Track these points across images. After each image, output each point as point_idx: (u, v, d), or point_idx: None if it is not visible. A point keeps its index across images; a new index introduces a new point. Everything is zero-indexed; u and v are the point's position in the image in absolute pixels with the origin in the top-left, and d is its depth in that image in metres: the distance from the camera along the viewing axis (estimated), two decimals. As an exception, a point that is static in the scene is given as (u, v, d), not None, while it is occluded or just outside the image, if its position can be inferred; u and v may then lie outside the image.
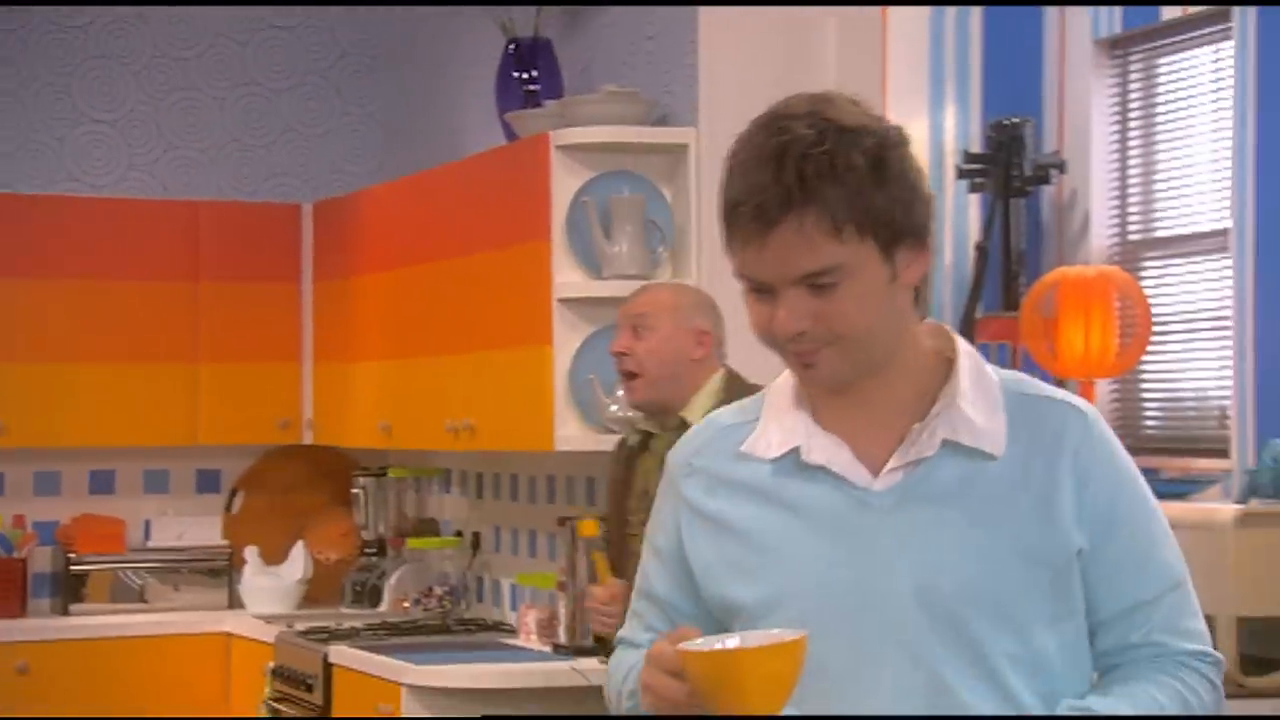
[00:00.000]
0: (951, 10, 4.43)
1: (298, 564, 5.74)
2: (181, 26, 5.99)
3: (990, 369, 1.92)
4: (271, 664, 5.13)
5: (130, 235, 5.65)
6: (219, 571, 5.81)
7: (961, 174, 4.21)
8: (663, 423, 3.50)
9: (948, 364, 1.89)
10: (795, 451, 1.88)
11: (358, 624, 5.19)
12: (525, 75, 4.90)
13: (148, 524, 5.97)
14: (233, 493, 6.13)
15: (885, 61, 4.48)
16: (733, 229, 1.81)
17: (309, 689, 4.87)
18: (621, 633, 2.05)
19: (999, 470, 1.86)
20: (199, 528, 6.01)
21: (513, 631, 5.16)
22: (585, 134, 4.36)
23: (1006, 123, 4.20)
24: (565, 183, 4.36)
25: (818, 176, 1.77)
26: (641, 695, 1.86)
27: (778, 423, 1.91)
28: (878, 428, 1.88)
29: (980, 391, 1.89)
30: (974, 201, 4.40)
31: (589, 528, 3.62)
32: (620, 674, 1.97)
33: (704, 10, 4.26)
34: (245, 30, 6.10)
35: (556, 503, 5.10)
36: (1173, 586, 1.90)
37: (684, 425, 3.26)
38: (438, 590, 5.44)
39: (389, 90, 6.06)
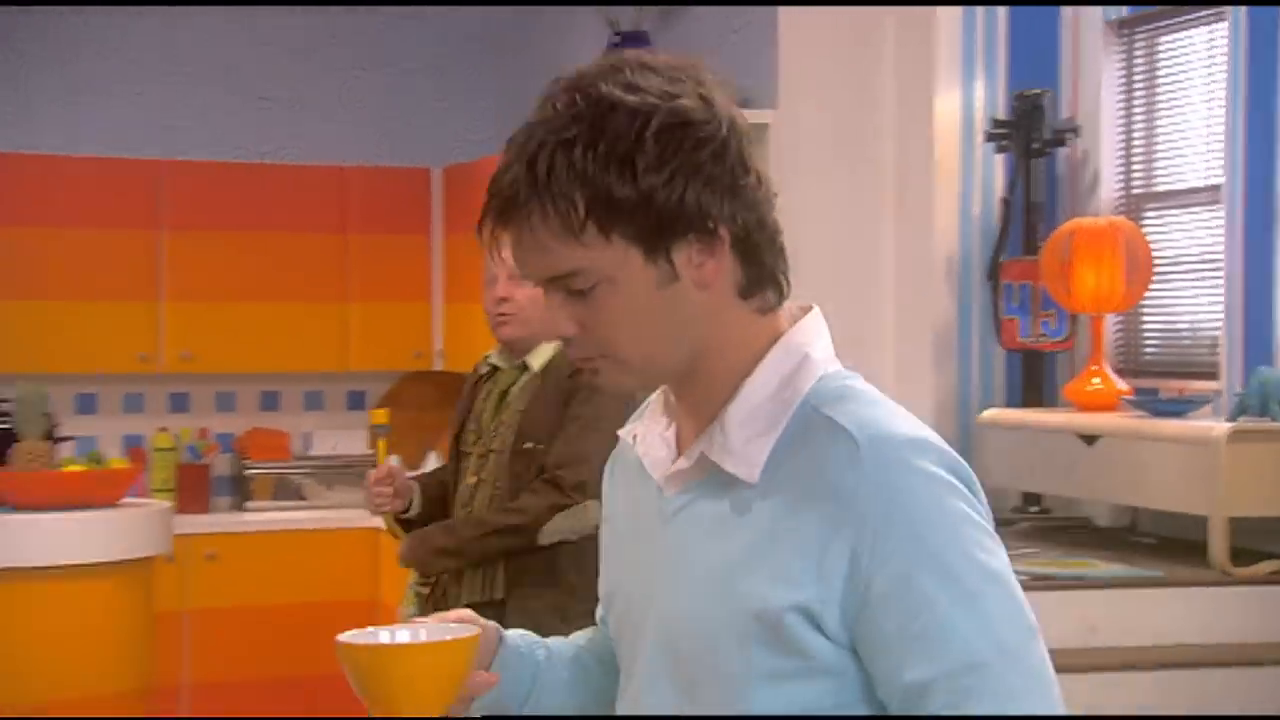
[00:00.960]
0: (982, -1, 4.45)
1: (430, 469, 5.85)
2: (332, 17, 6.09)
3: (815, 378, 1.37)
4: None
5: (289, 195, 5.75)
6: (364, 476, 5.92)
7: (989, 138, 4.24)
8: (509, 360, 3.29)
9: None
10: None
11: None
12: (628, 63, 4.95)
13: (307, 436, 6.10)
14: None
15: (932, 44, 4.50)
16: (483, 216, 1.37)
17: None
18: None
19: (749, 499, 1.34)
20: (349, 439, 6.14)
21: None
22: (678, 116, 4.39)
23: (1028, 94, 4.22)
24: (662, 160, 4.39)
25: (550, 169, 1.30)
26: None
27: (647, 412, 1.49)
28: (693, 425, 1.42)
29: (770, 403, 1.36)
30: (999, 162, 4.42)
31: (378, 416, 3.55)
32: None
33: (783, 9, 4.29)
34: (387, 20, 6.20)
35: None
36: (966, 669, 1.25)
37: (525, 367, 3.24)
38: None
39: (506, 72, 6.13)
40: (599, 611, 1.56)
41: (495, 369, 3.32)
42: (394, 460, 3.39)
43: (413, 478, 3.33)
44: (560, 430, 3.14)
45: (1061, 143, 4.13)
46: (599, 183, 1.28)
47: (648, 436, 1.44)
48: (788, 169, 4.27)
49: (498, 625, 1.51)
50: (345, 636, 1.42)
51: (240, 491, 5.77)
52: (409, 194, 5.86)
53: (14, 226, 5.38)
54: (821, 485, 1.29)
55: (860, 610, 1.27)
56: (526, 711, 1.52)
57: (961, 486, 1.30)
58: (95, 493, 4.25)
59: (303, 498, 5.81)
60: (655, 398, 1.46)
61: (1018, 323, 4.12)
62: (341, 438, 6.07)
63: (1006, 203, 4.20)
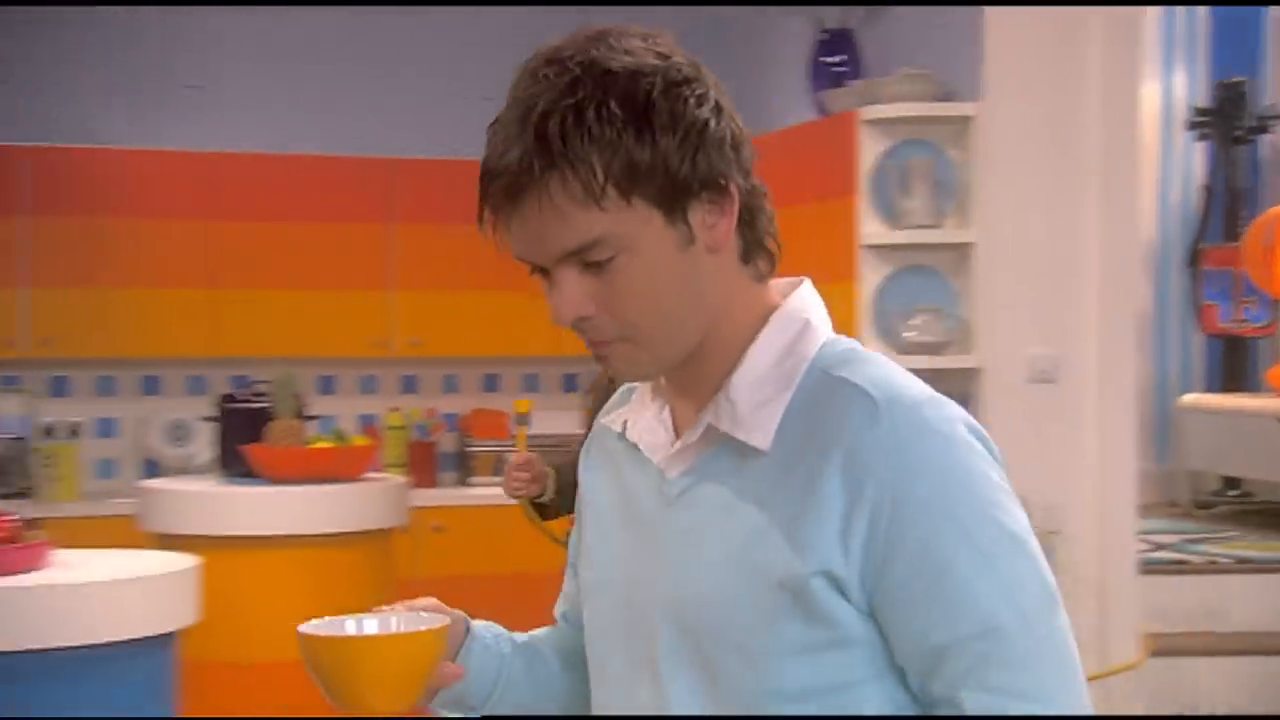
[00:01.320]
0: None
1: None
2: (545, 16, 6.18)
3: (818, 344, 1.30)
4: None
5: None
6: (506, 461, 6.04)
7: (1191, 126, 4.16)
8: None
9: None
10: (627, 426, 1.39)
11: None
12: (834, 60, 4.97)
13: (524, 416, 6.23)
14: (587, 392, 6.36)
15: (1137, 36, 4.44)
16: (481, 203, 1.27)
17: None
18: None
19: (763, 468, 1.26)
20: (563, 420, 6.25)
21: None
22: (886, 110, 4.41)
23: (1230, 82, 4.13)
24: (870, 149, 4.42)
25: (563, 135, 1.20)
26: None
27: (640, 389, 1.40)
28: (694, 403, 1.33)
29: (775, 370, 1.29)
30: (1198, 150, 4.34)
31: (521, 405, 3.71)
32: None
33: (990, 9, 4.27)
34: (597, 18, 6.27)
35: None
36: (983, 633, 1.20)
37: None
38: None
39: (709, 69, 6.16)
40: (560, 608, 1.52)
41: None
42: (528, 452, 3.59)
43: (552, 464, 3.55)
44: None
45: (1264, 130, 4.03)
46: (617, 145, 1.20)
47: (639, 421, 1.36)
48: (992, 160, 4.26)
49: (465, 615, 1.45)
50: (307, 627, 1.32)
51: (464, 467, 5.96)
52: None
53: (267, 222, 5.66)
54: (839, 447, 1.22)
55: (880, 571, 1.21)
56: (488, 710, 1.44)
57: (980, 446, 1.25)
58: (340, 468, 4.45)
59: (521, 475, 5.92)
60: (641, 386, 1.39)
61: (1218, 308, 4.05)
62: (556, 418, 6.19)
63: (1208, 190, 4.13)
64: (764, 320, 1.30)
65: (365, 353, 5.91)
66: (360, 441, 4.79)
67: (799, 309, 1.31)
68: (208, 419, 4.89)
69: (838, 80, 4.90)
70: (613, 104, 1.21)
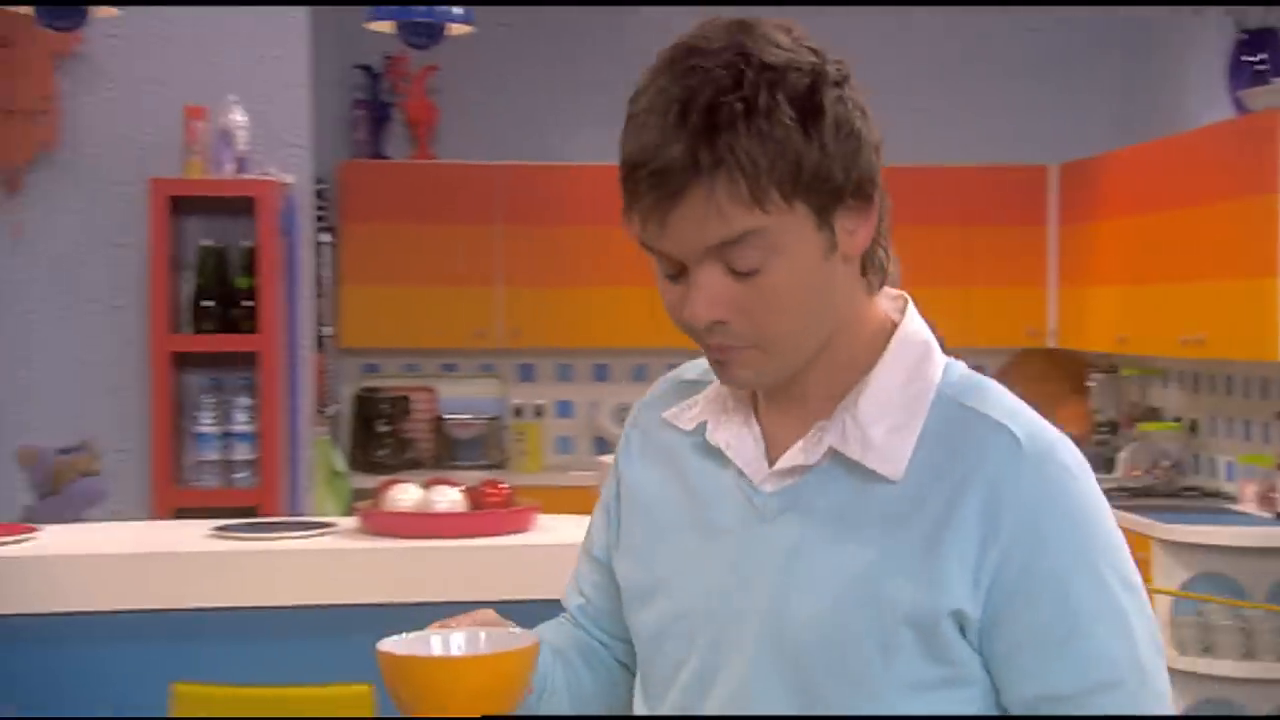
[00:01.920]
0: None
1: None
2: (971, 19, 6.17)
3: (940, 367, 1.23)
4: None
5: (920, 194, 5.89)
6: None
7: None
8: None
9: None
10: (705, 426, 1.29)
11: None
12: (1254, 59, 4.73)
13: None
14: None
15: None
16: (629, 195, 1.15)
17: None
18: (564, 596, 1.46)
19: (891, 497, 1.17)
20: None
21: (1233, 499, 5.01)
22: (1309, 105, 4.19)
23: None
24: (1290, 146, 4.22)
25: (731, 130, 1.10)
26: None
27: (709, 393, 1.30)
28: (795, 417, 1.23)
29: (902, 395, 1.20)
30: None
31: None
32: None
33: None
34: (1008, 31, 6.21)
35: (1270, 399, 4.91)
36: (1104, 686, 1.14)
37: None
38: (1163, 463, 5.36)
39: (1128, 72, 5.98)
40: (575, 599, 1.40)
41: None
42: None
43: None
44: None
45: None
46: (785, 145, 1.11)
47: (725, 427, 1.26)
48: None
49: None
50: (389, 645, 1.21)
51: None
52: (1026, 189, 5.90)
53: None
54: (979, 482, 1.15)
55: (1004, 612, 1.14)
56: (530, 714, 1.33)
57: (1100, 490, 1.20)
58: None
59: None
60: (712, 386, 1.29)
61: None
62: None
63: None
64: (880, 337, 1.22)
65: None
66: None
67: (918, 329, 1.24)
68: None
69: (1258, 79, 4.65)
70: (781, 100, 1.11)
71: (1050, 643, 1.14)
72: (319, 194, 5.36)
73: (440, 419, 6.11)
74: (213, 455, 4.49)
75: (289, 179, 4.59)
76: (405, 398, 6.07)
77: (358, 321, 5.98)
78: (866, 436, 1.18)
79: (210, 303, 4.47)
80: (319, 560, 2.79)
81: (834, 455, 1.20)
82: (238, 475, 4.49)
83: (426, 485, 3.04)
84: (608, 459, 1.67)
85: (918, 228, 6.07)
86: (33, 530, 2.88)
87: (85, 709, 2.57)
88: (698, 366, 1.33)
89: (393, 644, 1.21)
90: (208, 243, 4.48)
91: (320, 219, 5.36)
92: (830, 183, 1.13)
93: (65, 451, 3.43)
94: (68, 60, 4.53)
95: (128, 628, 2.65)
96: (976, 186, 6.10)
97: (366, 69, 6.11)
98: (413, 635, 1.23)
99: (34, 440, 3.62)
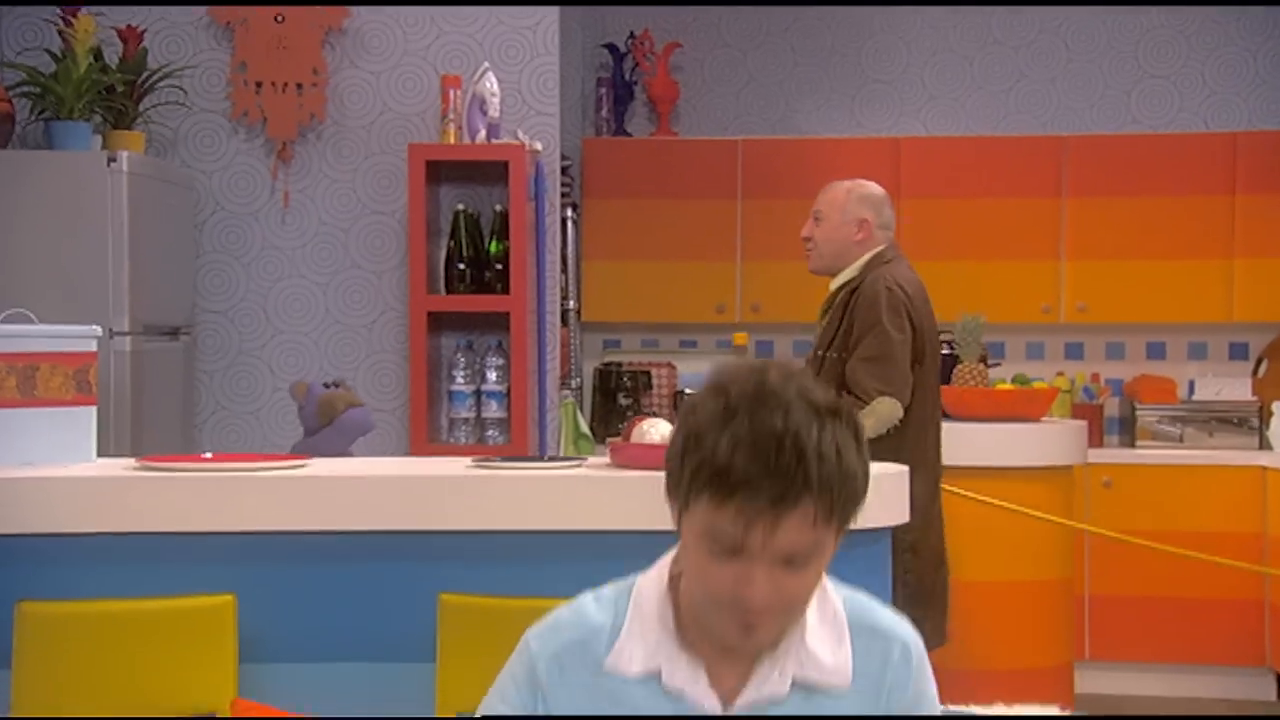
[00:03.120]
0: None
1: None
2: None
3: (833, 593, 1.61)
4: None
5: (1177, 162, 5.72)
6: (1245, 420, 5.72)
7: None
8: (833, 276, 3.92)
9: None
10: (657, 676, 1.55)
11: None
12: None
13: (1191, 383, 5.99)
14: (1259, 360, 6.01)
15: None
16: (728, 500, 1.44)
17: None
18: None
19: (841, 704, 1.57)
20: (1232, 387, 5.95)
21: None
22: None
23: None
24: None
25: (821, 467, 1.43)
26: None
27: (641, 637, 1.57)
28: (730, 659, 1.56)
29: (827, 625, 1.59)
30: None
31: (740, 338, 3.94)
32: None
33: None
34: None
35: None
36: None
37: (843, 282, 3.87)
38: None
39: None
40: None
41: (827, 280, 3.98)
42: None
43: None
44: (853, 344, 3.69)
45: None
46: (851, 478, 1.48)
47: (675, 672, 1.56)
48: None
49: None
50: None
51: (1128, 431, 5.79)
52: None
53: (947, 199, 5.83)
54: (885, 677, 1.59)
55: None
56: None
57: None
58: (1023, 408, 4.51)
59: (1180, 441, 5.70)
60: (638, 630, 1.57)
61: None
62: (1225, 385, 5.91)
63: None
64: None
65: (1033, 319, 5.93)
66: (1041, 386, 4.84)
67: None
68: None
69: None
70: (845, 441, 1.46)
71: None
72: (564, 170, 5.54)
73: (680, 394, 6.20)
74: (466, 413, 4.69)
75: (538, 146, 4.77)
76: (647, 372, 6.19)
77: (600, 296, 6.14)
78: (820, 662, 1.57)
79: (463, 266, 4.68)
80: (571, 487, 2.89)
81: (794, 683, 1.56)
82: (489, 433, 4.69)
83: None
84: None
85: (1175, 199, 5.90)
86: (304, 459, 3.08)
87: (357, 618, 2.74)
88: (595, 608, 1.61)
89: None
90: (461, 207, 4.69)
91: (565, 195, 5.53)
92: (858, 505, 1.50)
93: (328, 386, 3.66)
94: (335, 35, 4.81)
95: (393, 547, 2.81)
96: (1241, 153, 5.86)
97: (611, 48, 6.27)
98: None
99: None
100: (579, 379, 6.09)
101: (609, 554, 2.80)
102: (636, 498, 2.83)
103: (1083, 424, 5.00)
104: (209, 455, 3.13)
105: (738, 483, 1.43)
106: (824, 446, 1.45)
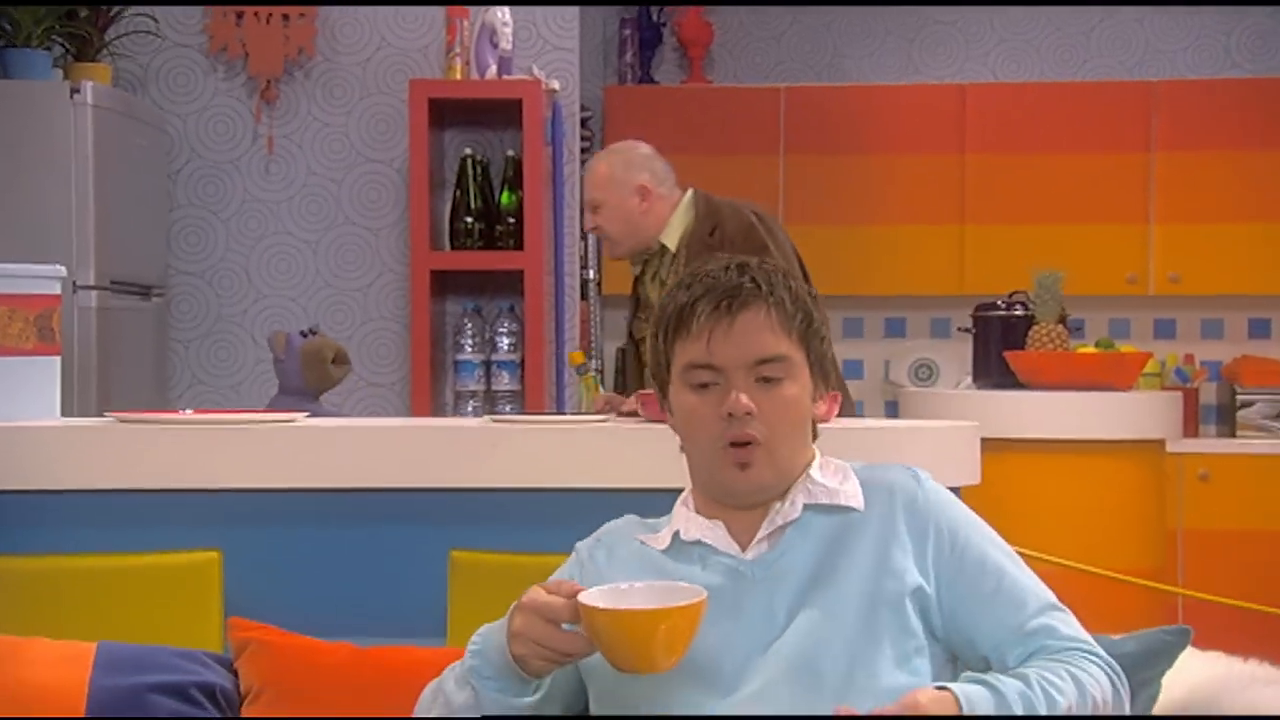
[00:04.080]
0: None
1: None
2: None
3: (837, 460, 2.04)
4: None
5: None
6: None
7: None
8: (648, 252, 3.95)
9: None
10: (677, 534, 1.98)
11: None
12: None
13: (1301, 365, 6.03)
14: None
15: None
16: (689, 323, 1.91)
17: None
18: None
19: (855, 524, 1.92)
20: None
21: None
22: None
23: None
24: None
25: (769, 282, 1.92)
26: (511, 643, 1.82)
27: (668, 522, 2.02)
28: (745, 516, 1.95)
29: (830, 469, 1.99)
30: None
31: (575, 358, 4.09)
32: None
33: None
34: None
35: None
36: (1046, 607, 1.91)
37: (664, 247, 3.90)
38: None
39: None
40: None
41: (644, 263, 3.99)
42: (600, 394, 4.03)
43: None
44: None
45: None
46: (804, 303, 1.97)
47: (691, 529, 1.96)
48: None
49: None
50: (588, 597, 1.75)
51: (1227, 419, 5.82)
52: None
53: (1018, 154, 5.86)
54: (896, 502, 1.94)
55: (954, 585, 1.89)
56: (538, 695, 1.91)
57: None
58: (1107, 375, 4.53)
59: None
60: (672, 515, 2.02)
61: None
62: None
63: None
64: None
65: (1117, 290, 5.96)
66: (1128, 349, 4.86)
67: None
68: (963, 330, 5.15)
69: None
70: (796, 282, 1.98)
71: (997, 595, 1.88)
72: (583, 124, 5.59)
73: (714, 379, 6.21)
74: (474, 385, 4.75)
75: (555, 85, 4.82)
76: (675, 353, 6.20)
77: (623, 266, 6.15)
78: (828, 488, 1.95)
79: (471, 220, 4.73)
80: (597, 441, 2.93)
81: (805, 509, 1.94)
82: (500, 408, 4.73)
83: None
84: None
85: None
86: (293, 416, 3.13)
87: (373, 575, 2.80)
88: (638, 521, 2.06)
89: (591, 597, 1.76)
90: (469, 153, 4.74)
91: (584, 151, 5.58)
92: (820, 346, 1.94)
93: (305, 335, 3.74)
94: (325, -42, 4.88)
95: (405, 504, 2.86)
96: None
97: (635, -15, 6.34)
98: (604, 589, 1.79)
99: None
100: (599, 360, 6.13)
101: (645, 513, 2.88)
102: (669, 452, 2.88)
103: (1177, 395, 4.98)
104: (188, 412, 3.18)
105: (695, 303, 1.92)
106: (768, 269, 1.95)
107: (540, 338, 4.67)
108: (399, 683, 2.14)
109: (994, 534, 1.97)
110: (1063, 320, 4.70)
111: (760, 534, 1.93)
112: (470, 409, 4.74)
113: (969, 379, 5.05)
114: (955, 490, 3.12)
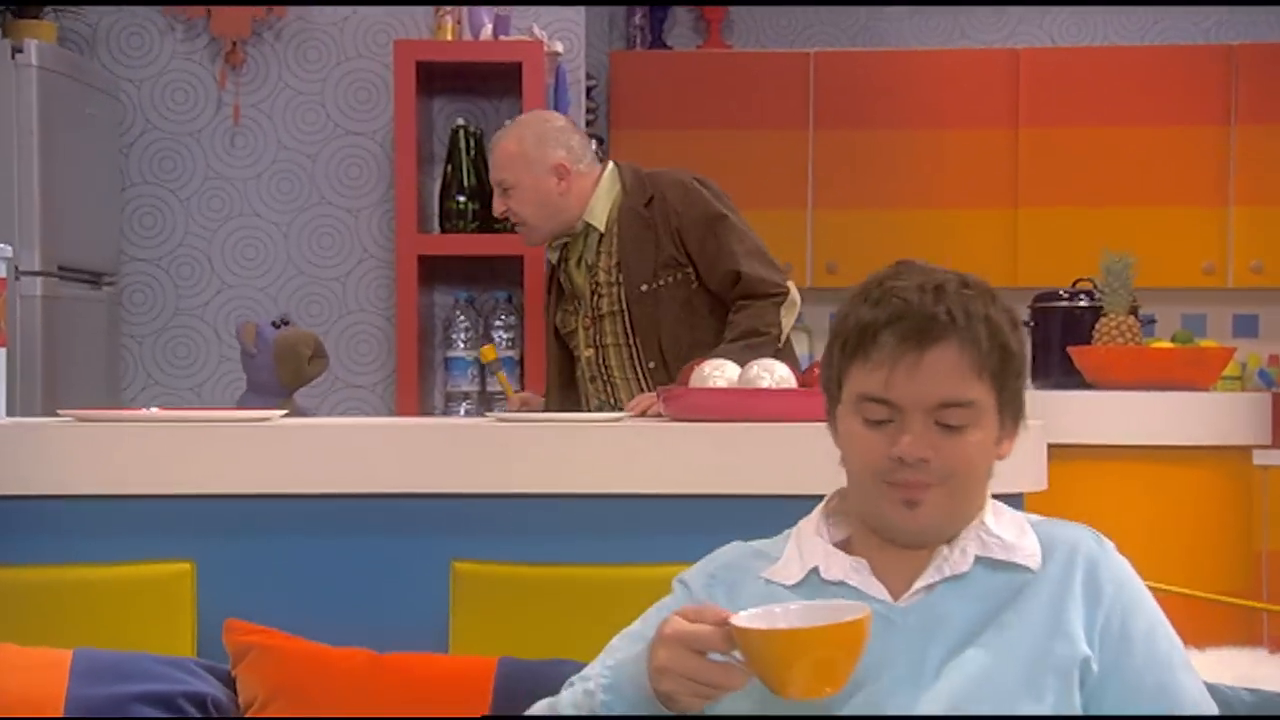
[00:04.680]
0: None
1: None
2: None
3: (1011, 509, 2.02)
4: None
5: None
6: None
7: None
8: (569, 234, 3.92)
9: None
10: (815, 571, 1.96)
11: None
12: None
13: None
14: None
15: None
16: (868, 349, 1.88)
17: None
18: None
19: (1029, 581, 1.92)
20: None
21: None
22: None
23: None
24: None
25: (967, 313, 1.86)
26: (657, 680, 1.81)
27: (798, 551, 1.99)
28: (897, 557, 1.94)
29: (1005, 520, 1.98)
30: None
31: (487, 354, 4.21)
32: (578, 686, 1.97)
33: None
34: None
35: None
36: (1192, 707, 1.92)
37: (589, 227, 3.88)
38: None
39: None
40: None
41: (564, 247, 3.97)
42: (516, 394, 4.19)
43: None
44: (703, 250, 3.78)
45: None
46: (1002, 339, 1.91)
47: (832, 566, 1.94)
48: None
49: None
50: (742, 620, 1.76)
51: (1321, 427, 5.83)
52: None
53: (1078, 127, 5.83)
54: (1076, 565, 1.93)
55: (1111, 663, 1.89)
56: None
57: None
58: (1185, 372, 4.53)
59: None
60: (795, 549, 1.99)
61: None
62: None
63: None
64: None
65: (1192, 282, 5.95)
66: (1210, 344, 4.86)
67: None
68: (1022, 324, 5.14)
69: None
70: (996, 308, 1.92)
71: (1156, 679, 1.89)
72: (587, 94, 5.60)
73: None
74: (467, 385, 4.75)
75: (559, 47, 4.84)
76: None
77: (632, 256, 6.18)
78: (1004, 541, 1.93)
79: (464, 199, 4.74)
80: (612, 442, 2.94)
81: (976, 561, 1.92)
82: (496, 411, 4.71)
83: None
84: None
85: None
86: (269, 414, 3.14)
87: (367, 589, 2.80)
88: (748, 545, 2.04)
89: (744, 623, 1.76)
90: (462, 124, 4.75)
91: (588, 124, 5.59)
92: (1014, 385, 1.92)
93: (277, 325, 3.75)
94: (299, -98, 4.89)
95: (400, 512, 2.86)
96: None
97: (644, -61, 6.35)
98: (745, 615, 1.78)
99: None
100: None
101: (666, 522, 2.86)
102: (697, 454, 2.88)
103: (1266, 395, 4.98)
104: (154, 409, 3.18)
105: (880, 329, 1.87)
106: (967, 299, 1.89)
107: (542, 331, 4.66)
108: (419, 692, 2.14)
109: (1169, 627, 1.95)
110: (1134, 312, 4.70)
111: (920, 583, 1.92)
112: (463, 412, 4.73)
113: (1026, 378, 5.01)
114: (1019, 497, 3.15)
